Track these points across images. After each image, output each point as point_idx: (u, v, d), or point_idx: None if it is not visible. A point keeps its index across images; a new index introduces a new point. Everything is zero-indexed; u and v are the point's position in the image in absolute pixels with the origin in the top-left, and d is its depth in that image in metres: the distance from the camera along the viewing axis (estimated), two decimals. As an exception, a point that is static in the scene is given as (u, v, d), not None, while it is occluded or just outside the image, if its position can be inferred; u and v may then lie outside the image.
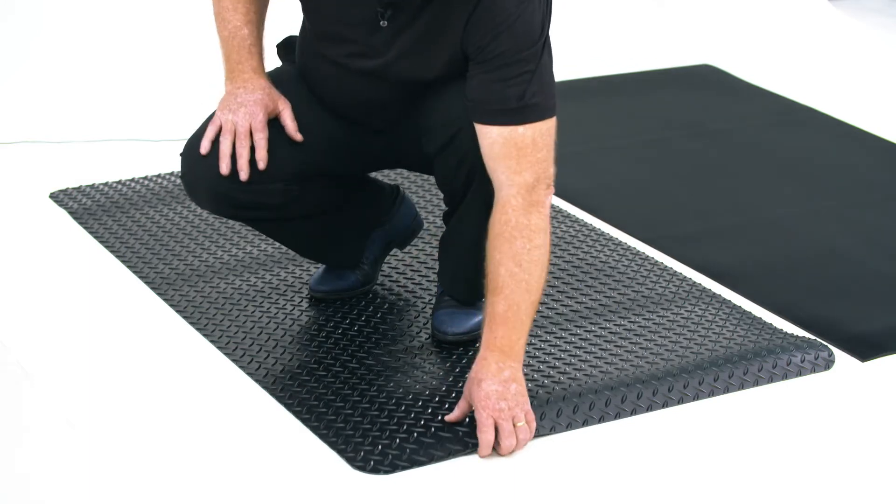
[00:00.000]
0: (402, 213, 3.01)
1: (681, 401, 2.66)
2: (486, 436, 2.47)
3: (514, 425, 2.48)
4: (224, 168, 2.60)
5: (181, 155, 2.72)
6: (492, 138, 2.49)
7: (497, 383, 2.48)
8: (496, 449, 2.48)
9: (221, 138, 2.61)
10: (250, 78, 2.65)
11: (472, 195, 2.64)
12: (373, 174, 3.07)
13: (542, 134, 2.49)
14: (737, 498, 2.39)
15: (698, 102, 4.32)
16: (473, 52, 2.50)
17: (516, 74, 2.47)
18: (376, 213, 2.96)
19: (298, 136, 2.66)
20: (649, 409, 2.63)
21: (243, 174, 2.60)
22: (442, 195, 2.78)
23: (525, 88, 2.47)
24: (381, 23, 2.56)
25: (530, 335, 2.79)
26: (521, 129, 2.47)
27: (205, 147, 2.62)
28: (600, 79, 4.44)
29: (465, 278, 2.77)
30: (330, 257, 2.95)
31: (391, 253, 3.11)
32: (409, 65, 2.59)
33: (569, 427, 2.56)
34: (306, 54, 2.74)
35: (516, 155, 2.48)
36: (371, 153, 2.78)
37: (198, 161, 2.66)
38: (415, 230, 3.06)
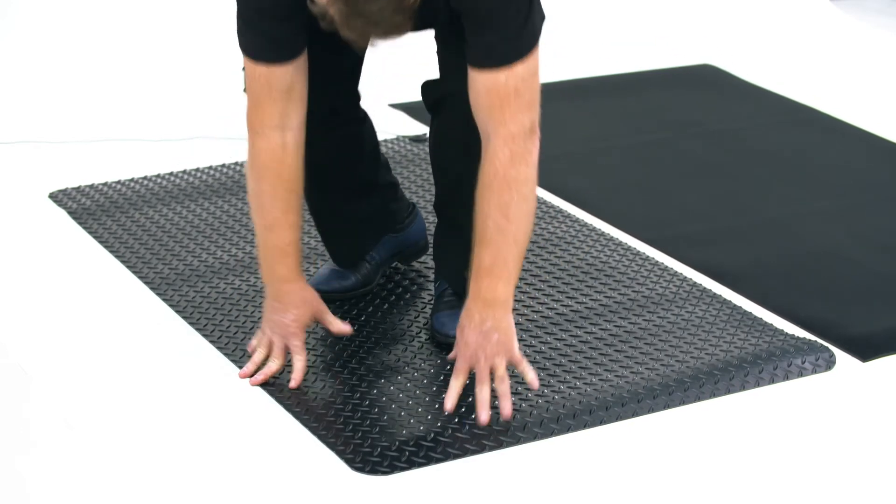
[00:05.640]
0: (414, 229, 3.04)
1: (682, 402, 2.65)
2: (455, 381, 2.48)
3: (495, 374, 2.48)
4: (254, 380, 2.63)
5: None
6: (476, 88, 2.48)
7: (478, 334, 2.50)
8: (476, 405, 2.48)
9: (259, 353, 2.64)
10: (285, 290, 2.63)
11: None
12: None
13: (523, 80, 2.46)
14: (739, 499, 2.39)
15: (698, 102, 4.32)
16: (462, 8, 2.46)
17: (504, 26, 2.43)
18: (393, 218, 2.99)
19: (347, 329, 2.68)
20: (650, 411, 2.62)
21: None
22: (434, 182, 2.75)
23: (512, 36, 2.44)
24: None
25: (531, 336, 2.81)
26: (502, 76, 2.44)
27: (247, 370, 2.65)
28: (600, 79, 4.43)
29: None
30: (342, 242, 2.95)
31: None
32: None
33: (569, 430, 2.55)
34: None
35: (499, 105, 2.46)
36: None
37: None
38: (422, 249, 3.08)
